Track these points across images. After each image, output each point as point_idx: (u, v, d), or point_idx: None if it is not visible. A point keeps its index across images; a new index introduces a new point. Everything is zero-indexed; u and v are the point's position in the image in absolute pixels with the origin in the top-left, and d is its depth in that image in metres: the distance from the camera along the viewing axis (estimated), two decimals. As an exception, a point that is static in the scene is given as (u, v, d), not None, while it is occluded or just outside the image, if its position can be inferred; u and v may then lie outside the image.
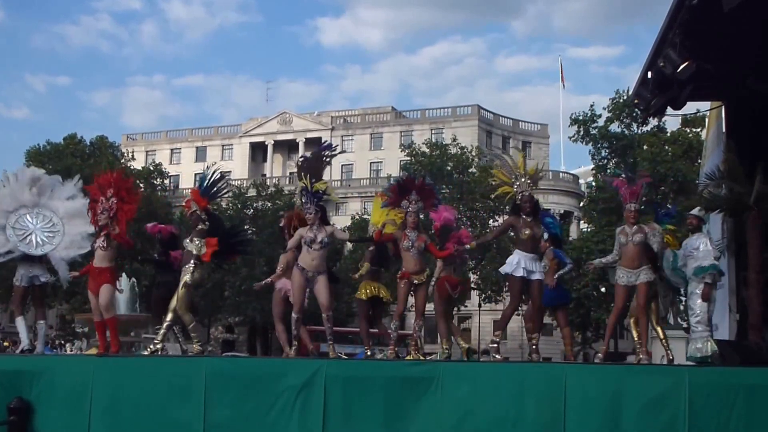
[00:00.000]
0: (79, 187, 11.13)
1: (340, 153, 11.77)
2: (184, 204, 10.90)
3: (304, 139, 69.32)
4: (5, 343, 33.15)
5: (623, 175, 9.84)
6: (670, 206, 11.33)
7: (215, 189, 10.43)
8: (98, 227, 9.98)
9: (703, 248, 9.17)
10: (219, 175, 10.57)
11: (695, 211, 9.51)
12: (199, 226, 10.07)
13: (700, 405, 7.57)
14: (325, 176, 11.01)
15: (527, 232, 9.24)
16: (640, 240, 9.22)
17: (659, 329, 10.19)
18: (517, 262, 9.20)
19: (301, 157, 10.81)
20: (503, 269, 9.45)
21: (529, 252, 9.27)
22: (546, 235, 10.60)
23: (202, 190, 10.31)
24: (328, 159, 11.11)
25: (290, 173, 68.09)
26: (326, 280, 9.63)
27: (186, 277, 9.92)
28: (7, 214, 10.57)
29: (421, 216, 10.08)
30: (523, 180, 9.47)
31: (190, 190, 11.02)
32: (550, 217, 11.27)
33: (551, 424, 7.68)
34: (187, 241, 10.16)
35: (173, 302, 9.90)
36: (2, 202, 10.70)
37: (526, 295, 9.65)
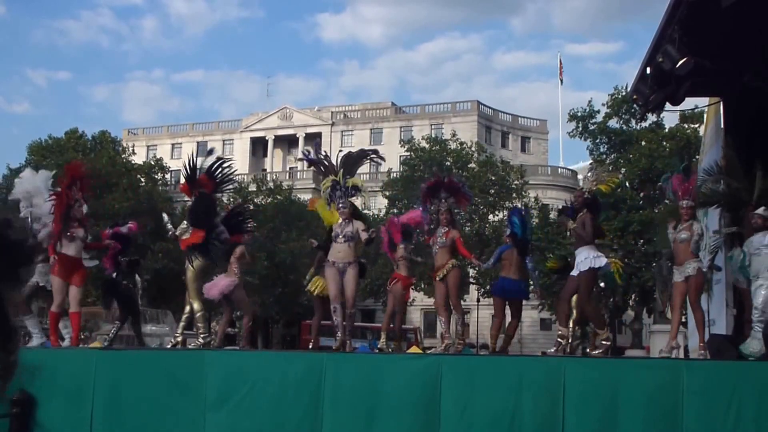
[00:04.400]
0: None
1: (383, 162, 11.84)
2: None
3: (304, 134, 69.27)
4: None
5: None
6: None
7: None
8: (77, 218, 10.02)
9: None
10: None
11: (761, 210, 9.34)
12: None
13: (697, 399, 7.62)
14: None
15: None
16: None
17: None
18: None
19: (343, 153, 10.82)
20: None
21: None
22: (507, 231, 11.21)
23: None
24: (368, 161, 11.15)
25: (290, 168, 68.04)
26: (355, 274, 9.66)
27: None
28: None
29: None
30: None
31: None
32: (517, 216, 11.57)
33: (550, 417, 7.73)
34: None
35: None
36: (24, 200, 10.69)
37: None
